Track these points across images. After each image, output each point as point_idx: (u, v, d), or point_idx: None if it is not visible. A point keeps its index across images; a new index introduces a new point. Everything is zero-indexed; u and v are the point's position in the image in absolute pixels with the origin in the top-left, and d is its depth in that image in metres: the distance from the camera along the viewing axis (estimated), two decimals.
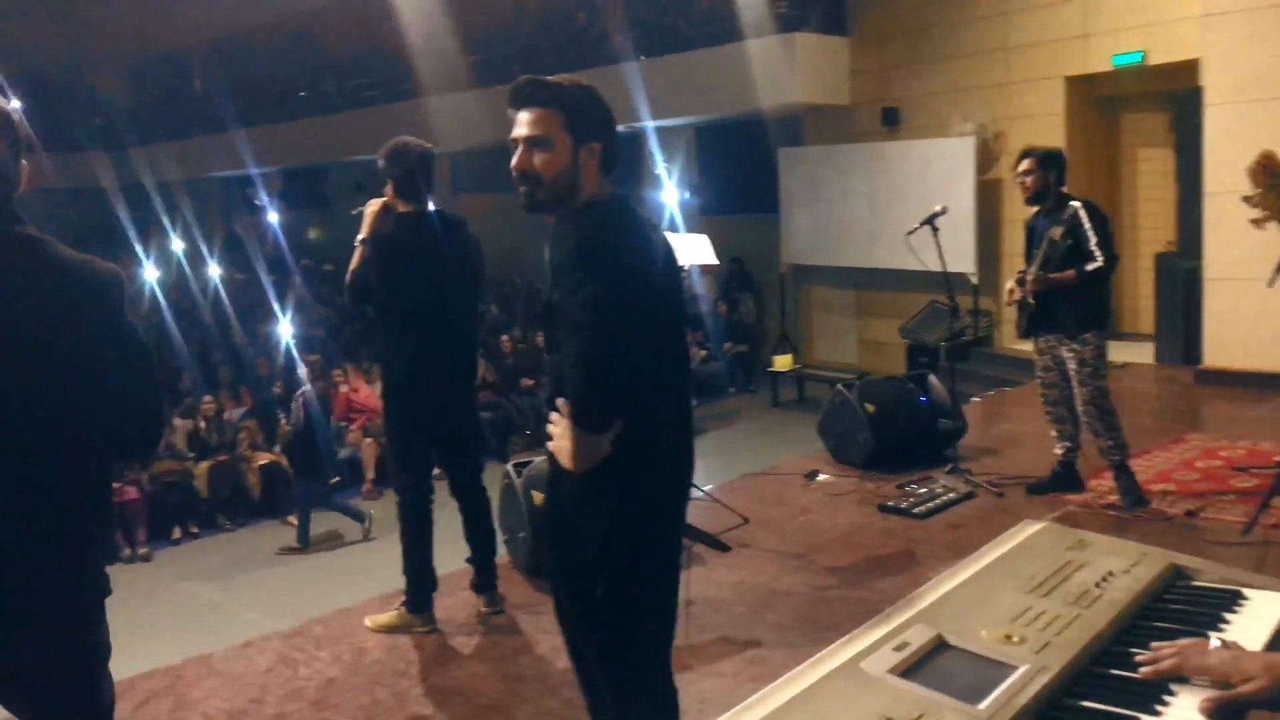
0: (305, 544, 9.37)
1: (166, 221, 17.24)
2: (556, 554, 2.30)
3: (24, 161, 2.00)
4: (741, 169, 13.65)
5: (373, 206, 3.96)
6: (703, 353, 13.16)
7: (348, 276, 4.02)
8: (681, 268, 2.49)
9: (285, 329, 11.92)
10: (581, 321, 2.04)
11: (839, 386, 6.35)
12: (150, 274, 14.28)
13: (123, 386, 1.97)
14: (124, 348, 1.97)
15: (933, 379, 6.45)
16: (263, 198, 18.48)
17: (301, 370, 10.10)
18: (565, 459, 2.13)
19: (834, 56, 11.83)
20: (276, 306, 12.49)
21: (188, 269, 15.93)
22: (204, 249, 15.66)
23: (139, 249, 14.66)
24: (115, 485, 9.30)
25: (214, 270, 15.11)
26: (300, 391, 9.72)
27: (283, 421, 10.18)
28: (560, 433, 2.14)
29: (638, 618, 2.23)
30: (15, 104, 2.17)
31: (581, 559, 2.21)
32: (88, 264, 1.96)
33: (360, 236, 3.95)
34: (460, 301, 4.05)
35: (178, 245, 17.15)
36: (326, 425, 10.05)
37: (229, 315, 13.74)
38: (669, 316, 2.30)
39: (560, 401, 2.14)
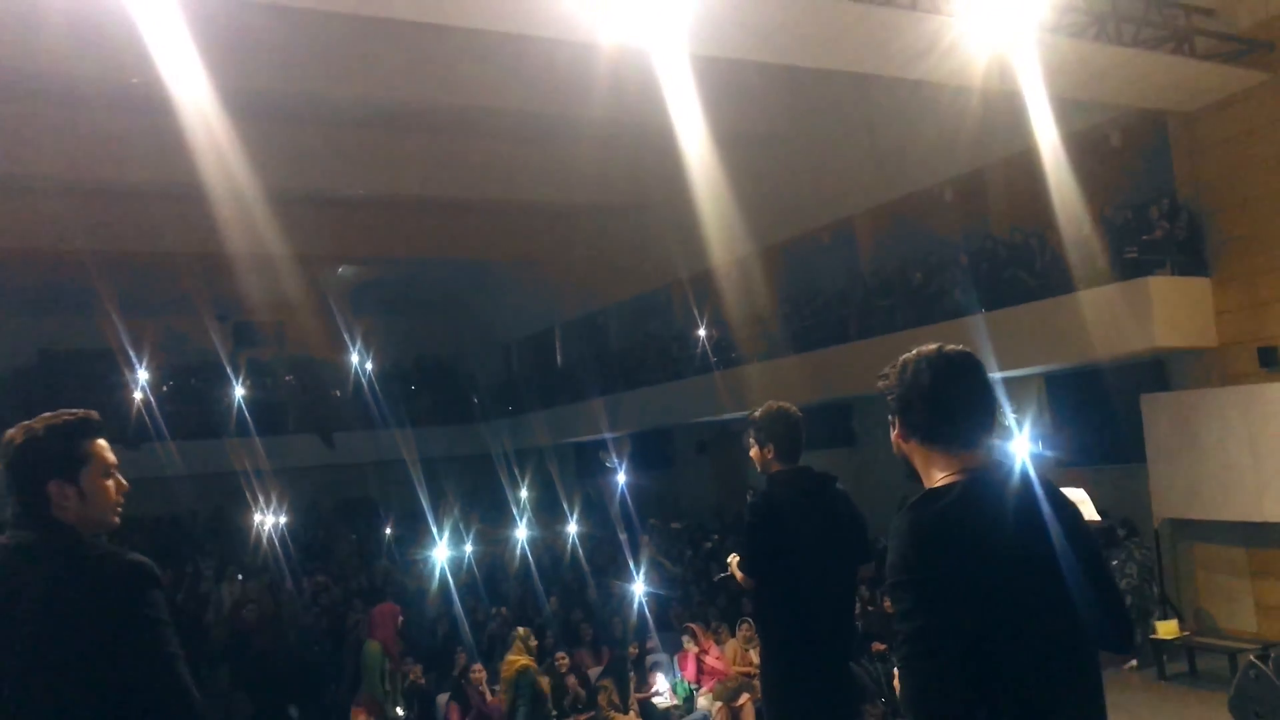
0: None
1: (536, 484, 18.85)
2: None
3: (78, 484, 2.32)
4: (1100, 417, 13.01)
5: (733, 562, 4.29)
6: None
7: (739, 582, 4.25)
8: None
9: (638, 587, 12.37)
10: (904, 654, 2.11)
11: (1252, 659, 5.68)
12: (521, 533, 15.49)
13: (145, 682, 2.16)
14: (145, 639, 2.18)
15: None
16: (614, 460, 19.71)
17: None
18: None
19: (1195, 298, 11.27)
20: (630, 564, 13.07)
21: (550, 528, 17.14)
22: (565, 509, 16.85)
23: (514, 510, 16.07)
24: None
25: (572, 528, 16.13)
26: None
27: None
28: None
29: None
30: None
31: None
32: (114, 559, 2.25)
33: (738, 578, 4.25)
34: (839, 561, 4.13)
35: (533, 503, 18.59)
36: None
37: (585, 573, 14.48)
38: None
39: None
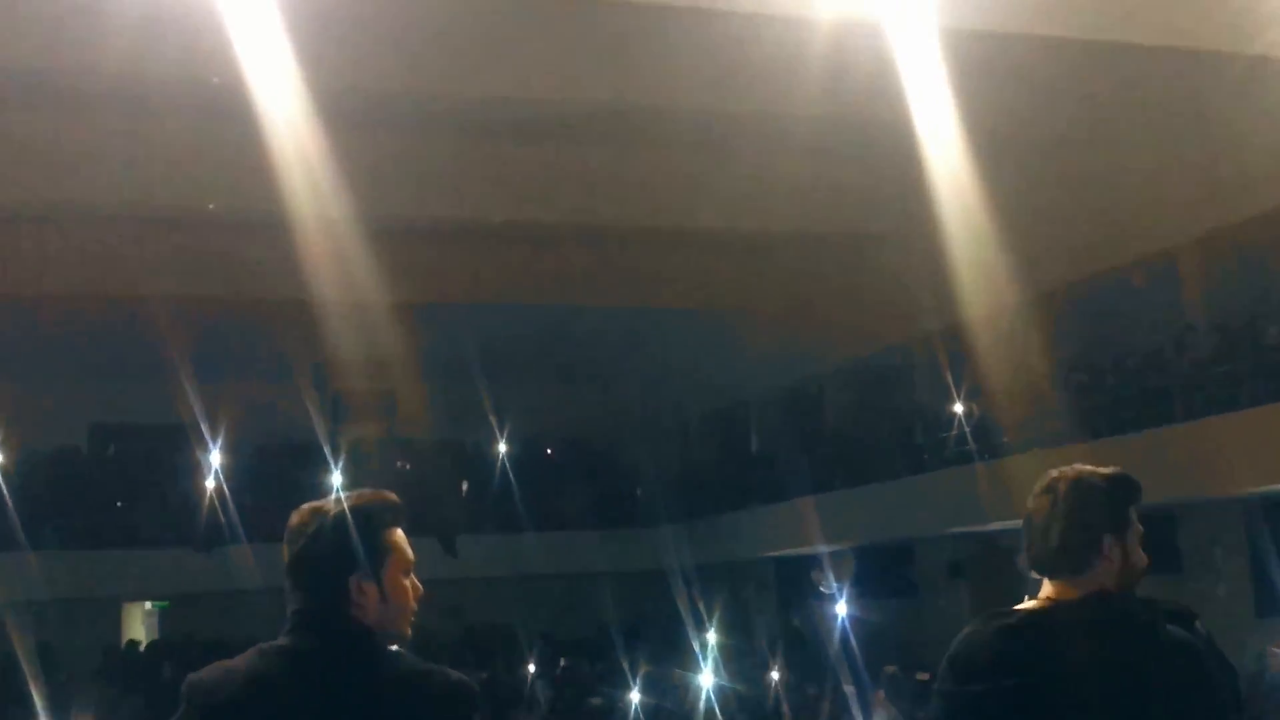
0: None
1: (724, 612, 18.74)
2: None
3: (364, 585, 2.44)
4: None
5: None
6: None
7: None
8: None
9: None
10: None
11: None
12: (705, 680, 15.35)
13: None
14: None
15: None
16: (831, 583, 19.38)
17: None
18: None
19: None
20: None
21: (744, 675, 16.94)
22: (763, 648, 16.68)
23: (695, 647, 16.03)
24: None
25: (774, 676, 15.92)
26: None
27: None
28: None
29: None
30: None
31: None
32: (438, 675, 2.44)
33: None
34: None
35: (716, 641, 18.42)
36: None
37: None
38: None
39: None
